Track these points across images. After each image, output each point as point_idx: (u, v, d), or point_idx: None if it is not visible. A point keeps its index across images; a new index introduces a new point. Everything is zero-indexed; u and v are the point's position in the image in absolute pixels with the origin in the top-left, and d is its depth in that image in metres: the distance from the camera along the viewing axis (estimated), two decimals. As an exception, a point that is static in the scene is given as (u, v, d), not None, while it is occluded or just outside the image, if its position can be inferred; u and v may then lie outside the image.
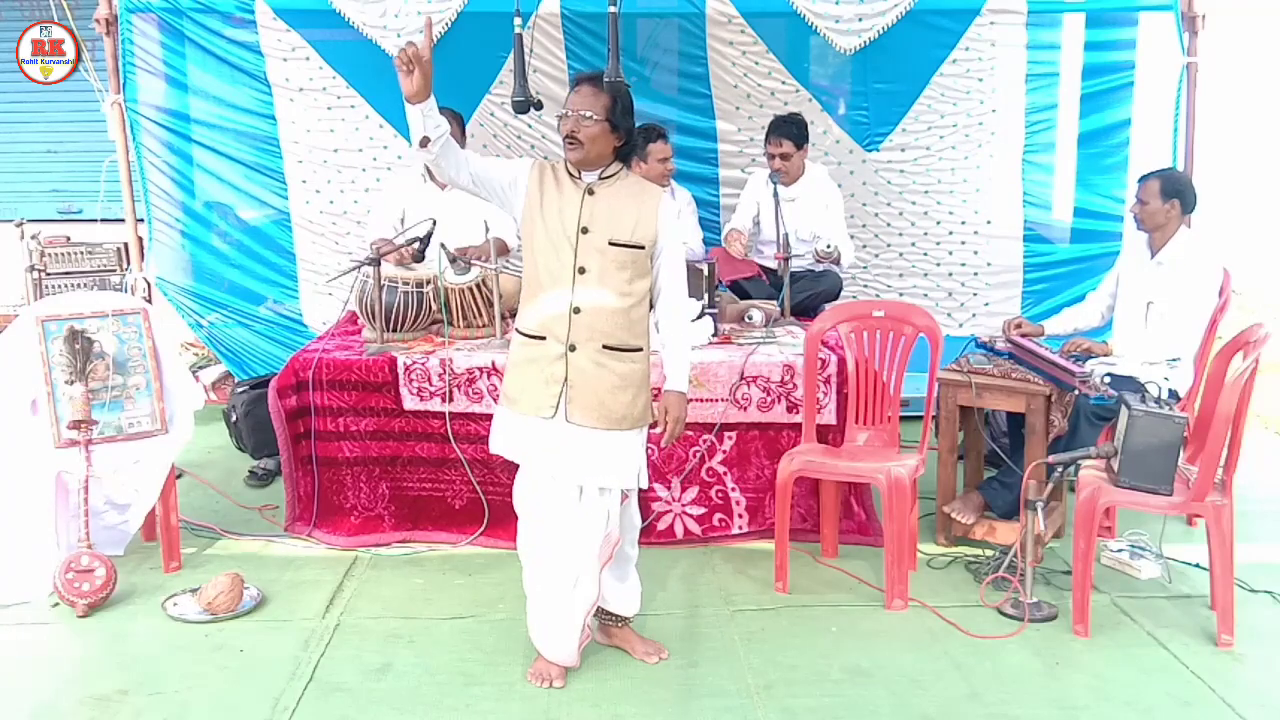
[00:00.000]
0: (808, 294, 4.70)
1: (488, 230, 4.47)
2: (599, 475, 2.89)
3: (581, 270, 2.82)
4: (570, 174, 2.89)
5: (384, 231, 4.66)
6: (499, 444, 3.01)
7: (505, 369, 3.00)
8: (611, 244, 2.83)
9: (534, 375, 2.88)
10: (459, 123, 4.73)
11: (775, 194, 4.60)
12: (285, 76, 5.26)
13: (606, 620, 3.14)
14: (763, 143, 4.97)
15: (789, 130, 4.82)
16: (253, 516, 4.29)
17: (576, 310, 2.83)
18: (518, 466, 3.95)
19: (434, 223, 4.15)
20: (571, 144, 2.82)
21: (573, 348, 2.84)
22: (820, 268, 4.98)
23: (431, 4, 4.83)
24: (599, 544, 2.93)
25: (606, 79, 2.83)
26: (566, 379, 2.85)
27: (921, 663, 3.13)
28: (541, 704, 2.91)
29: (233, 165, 5.42)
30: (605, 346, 2.86)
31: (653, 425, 2.99)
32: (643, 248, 2.86)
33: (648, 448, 3.09)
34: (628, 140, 2.89)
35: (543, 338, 2.88)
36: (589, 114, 2.78)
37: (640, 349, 2.92)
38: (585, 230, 2.83)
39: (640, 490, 3.08)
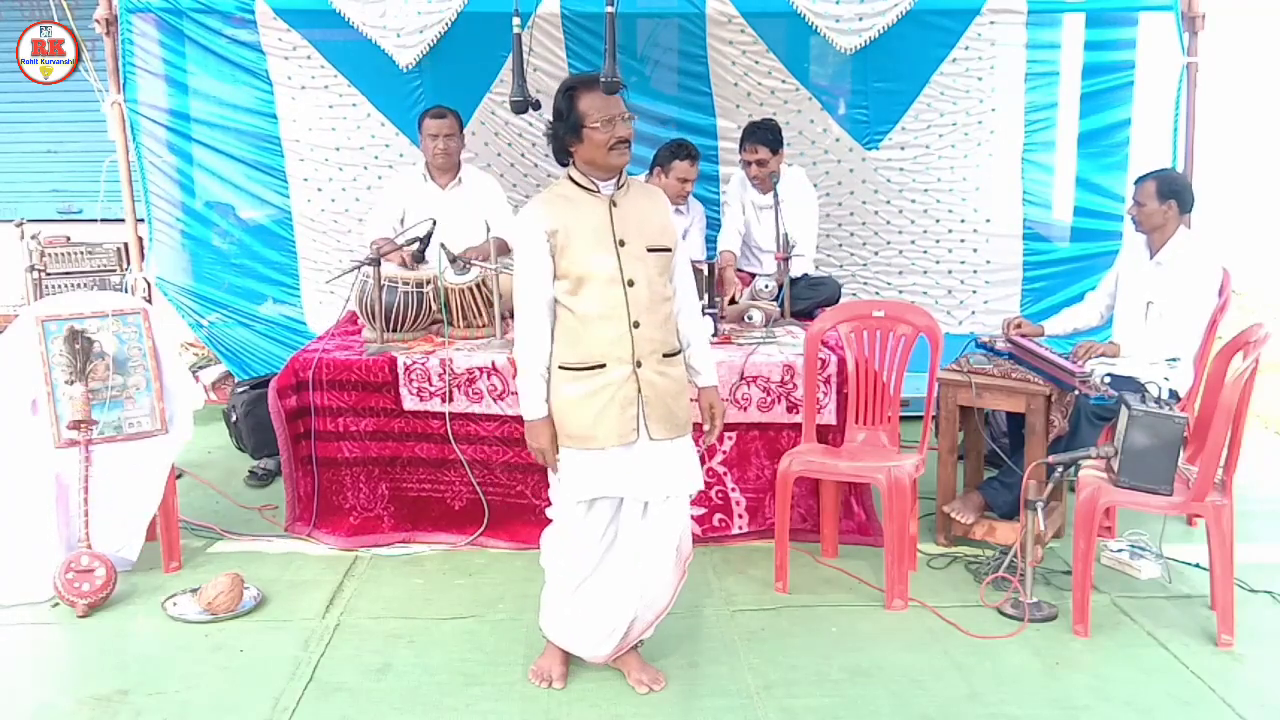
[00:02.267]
0: (807, 300, 4.68)
1: (488, 230, 4.46)
2: (673, 485, 2.85)
3: (630, 283, 2.77)
4: (586, 190, 2.81)
5: (383, 231, 4.66)
6: (573, 489, 2.84)
7: (556, 413, 2.82)
8: (650, 250, 2.80)
9: (604, 404, 2.77)
10: (459, 124, 4.73)
11: (775, 194, 4.59)
12: (287, 74, 5.26)
13: None
14: (739, 149, 4.93)
15: (764, 136, 4.76)
16: (253, 516, 4.29)
17: (636, 325, 2.77)
18: (517, 467, 3.96)
19: (434, 223, 4.15)
20: (626, 148, 2.77)
21: (639, 364, 2.79)
22: (819, 273, 4.98)
23: (431, 4, 4.83)
24: (674, 554, 2.89)
25: (605, 79, 2.81)
26: (641, 397, 2.79)
27: (921, 663, 3.13)
28: (541, 704, 2.91)
29: (233, 164, 5.42)
30: (664, 355, 2.83)
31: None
32: (670, 249, 2.85)
33: None
34: None
35: (602, 365, 2.78)
36: (630, 115, 2.77)
37: (679, 350, 2.92)
38: (623, 243, 2.77)
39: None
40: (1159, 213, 3.89)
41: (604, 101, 2.75)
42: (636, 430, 2.80)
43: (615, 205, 2.81)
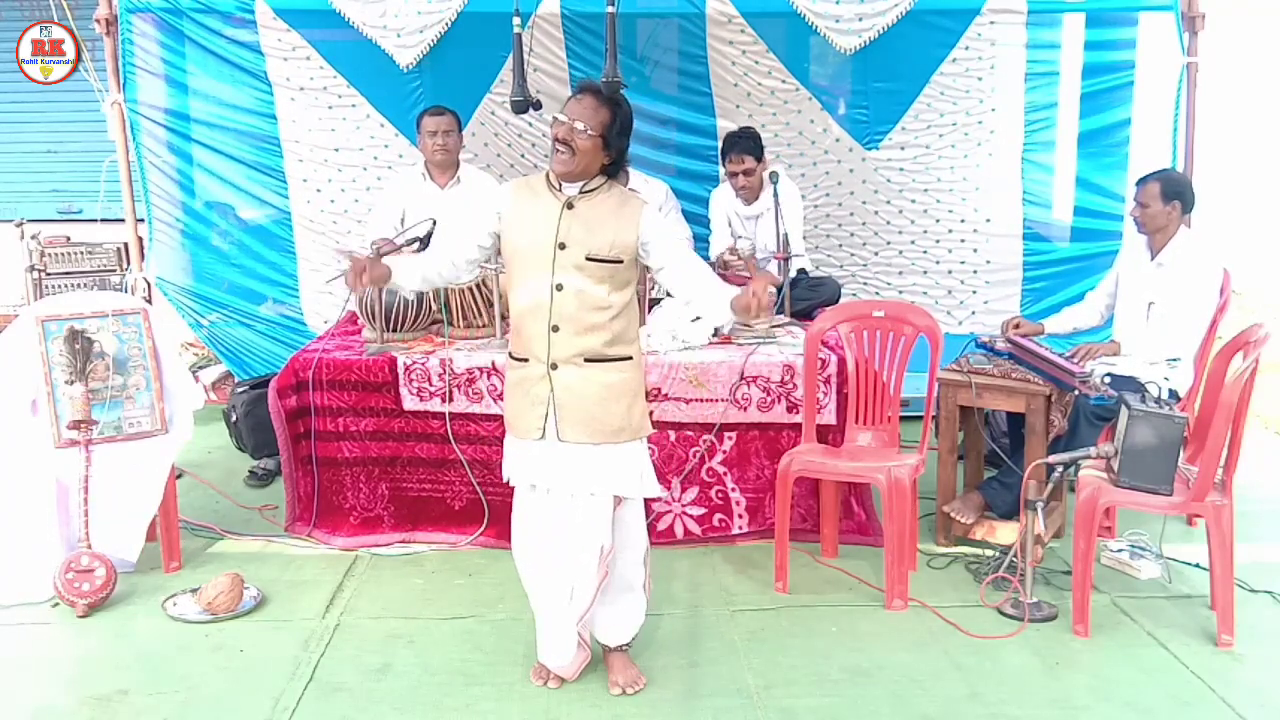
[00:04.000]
0: (806, 301, 4.68)
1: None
2: (589, 484, 2.82)
3: (559, 287, 2.75)
4: (551, 185, 2.82)
5: (384, 231, 4.66)
6: (507, 470, 2.97)
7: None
8: (589, 259, 2.75)
9: (521, 398, 2.84)
10: (457, 122, 4.73)
11: (775, 194, 4.58)
12: (286, 75, 5.26)
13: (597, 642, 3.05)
14: (721, 159, 4.88)
15: (748, 145, 4.72)
16: (253, 516, 4.29)
17: (555, 329, 2.76)
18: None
19: (434, 223, 4.15)
20: (561, 151, 2.73)
21: (554, 366, 2.78)
22: (819, 273, 4.96)
23: (431, 4, 4.83)
24: (594, 555, 2.86)
25: (605, 79, 2.80)
26: (552, 398, 2.79)
27: (921, 663, 3.13)
28: (541, 704, 2.91)
29: (233, 165, 5.42)
30: (587, 360, 2.78)
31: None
32: (621, 262, 2.78)
33: (650, 450, 3.02)
34: (617, 160, 2.81)
35: (525, 359, 2.83)
36: (584, 126, 2.71)
37: (628, 357, 2.85)
38: (563, 246, 2.75)
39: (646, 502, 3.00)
40: (1163, 214, 3.89)
41: (574, 105, 2.74)
42: (543, 430, 2.80)
43: (570, 208, 2.78)
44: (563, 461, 2.82)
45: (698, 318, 4.13)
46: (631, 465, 2.87)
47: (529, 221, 2.80)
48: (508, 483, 2.99)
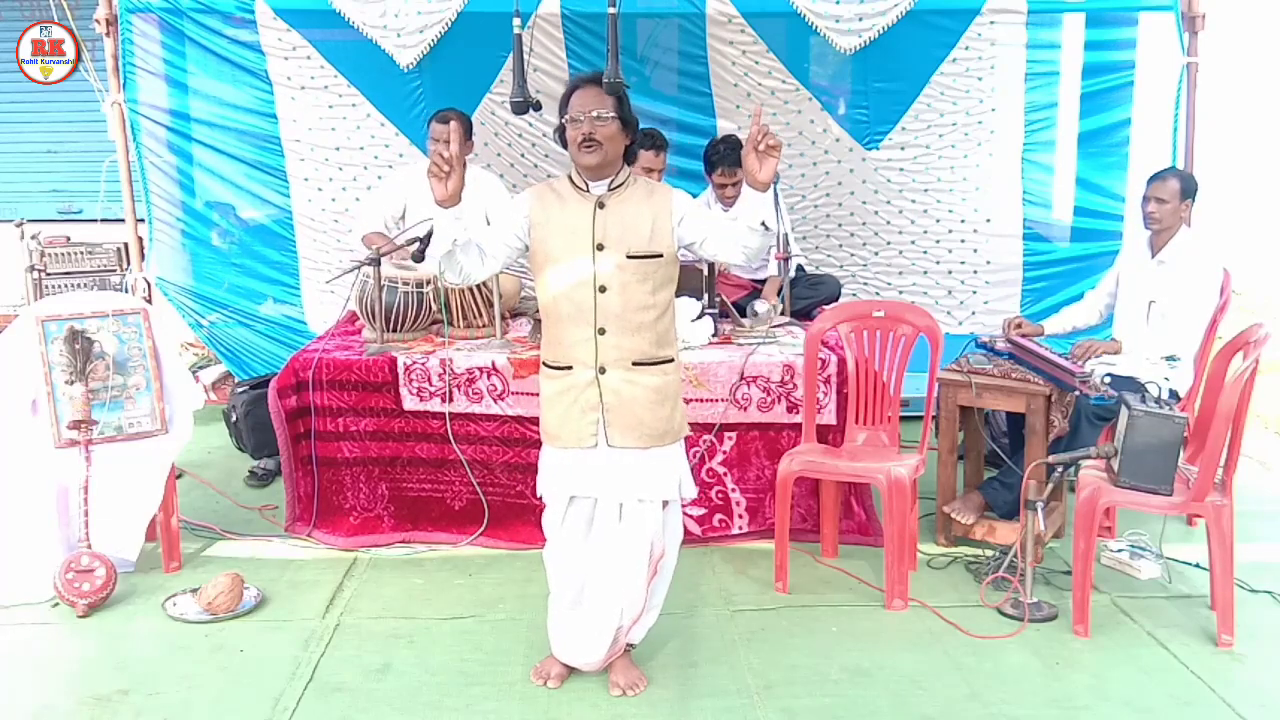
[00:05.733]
0: (807, 300, 4.68)
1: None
2: (639, 490, 2.81)
3: (602, 289, 2.73)
4: (577, 187, 2.79)
5: (374, 223, 4.65)
6: (545, 484, 2.93)
7: (540, 406, 2.91)
8: (630, 257, 2.73)
9: (569, 406, 2.80)
10: (466, 126, 4.71)
11: (775, 193, 4.57)
12: (286, 75, 5.26)
13: None
14: (708, 170, 4.84)
15: (737, 159, 4.62)
16: (253, 516, 4.29)
17: (601, 331, 2.74)
18: (517, 467, 3.96)
19: (434, 224, 4.14)
20: (589, 147, 2.71)
21: (603, 370, 2.76)
22: (819, 273, 4.97)
23: (431, 4, 4.83)
24: (646, 559, 2.86)
25: (606, 79, 2.79)
26: (602, 404, 2.77)
27: (921, 663, 3.13)
28: (541, 704, 2.91)
29: (234, 164, 5.42)
30: (635, 363, 2.77)
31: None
32: (662, 255, 2.77)
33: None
34: (634, 138, 2.81)
35: (569, 367, 2.79)
36: (605, 113, 2.70)
37: (671, 359, 2.84)
38: (601, 247, 2.73)
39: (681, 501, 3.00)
40: (1178, 210, 3.90)
41: (582, 99, 2.72)
42: (596, 436, 2.78)
43: (602, 207, 2.76)
44: (611, 469, 2.80)
45: (698, 317, 4.15)
46: (674, 468, 2.88)
47: (561, 227, 2.77)
48: (541, 498, 2.96)
